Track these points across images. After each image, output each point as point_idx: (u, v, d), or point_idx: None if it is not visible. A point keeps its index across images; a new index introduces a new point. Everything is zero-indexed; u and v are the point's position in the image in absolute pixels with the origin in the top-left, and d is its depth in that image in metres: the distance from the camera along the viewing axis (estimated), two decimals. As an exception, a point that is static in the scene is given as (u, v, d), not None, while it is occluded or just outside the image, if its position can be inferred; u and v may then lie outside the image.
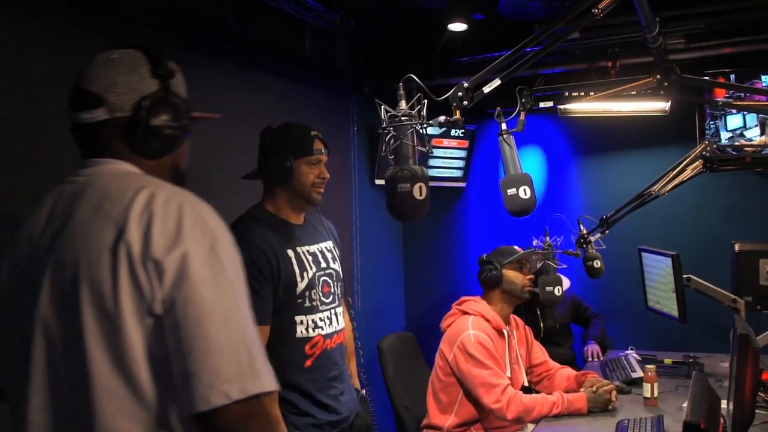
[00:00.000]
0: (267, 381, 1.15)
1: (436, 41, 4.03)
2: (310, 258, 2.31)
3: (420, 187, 1.47)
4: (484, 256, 3.04)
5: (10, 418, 1.25)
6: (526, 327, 3.19)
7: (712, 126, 4.24)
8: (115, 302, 1.13)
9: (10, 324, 1.25)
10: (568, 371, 3.09)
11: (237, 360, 1.12)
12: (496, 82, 1.72)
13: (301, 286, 2.24)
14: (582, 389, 2.83)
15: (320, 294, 2.31)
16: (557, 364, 3.15)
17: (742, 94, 3.97)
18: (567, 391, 2.82)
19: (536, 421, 2.69)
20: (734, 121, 4.21)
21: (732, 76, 4.03)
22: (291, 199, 2.30)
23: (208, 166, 2.93)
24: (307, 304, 2.27)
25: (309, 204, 2.33)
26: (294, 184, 2.26)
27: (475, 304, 2.94)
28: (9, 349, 1.25)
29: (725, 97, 4.09)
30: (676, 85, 2.04)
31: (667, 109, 4.04)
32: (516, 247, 3.04)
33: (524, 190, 1.91)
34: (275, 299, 2.19)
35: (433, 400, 2.91)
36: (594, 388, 2.76)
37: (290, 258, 2.24)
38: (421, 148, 1.53)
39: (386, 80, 3.84)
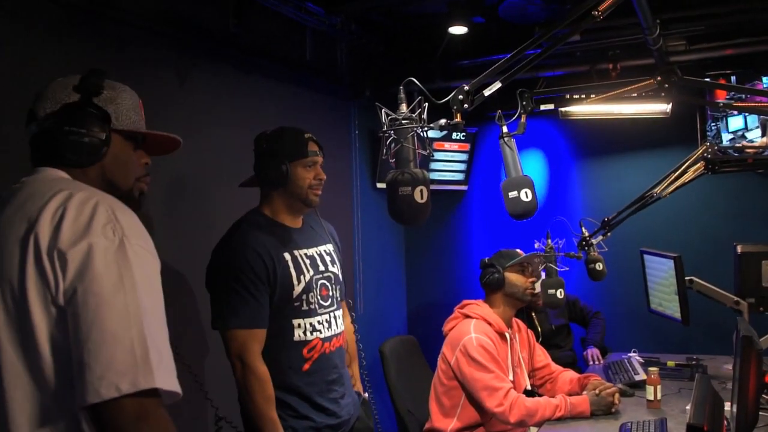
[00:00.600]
0: (161, 378, 1.15)
1: (437, 44, 4.03)
2: (307, 261, 2.31)
3: (421, 191, 1.47)
4: (486, 259, 3.03)
5: None
6: (529, 330, 3.18)
7: (713, 128, 4.24)
8: (22, 292, 1.17)
9: None
10: (570, 374, 3.08)
11: (131, 354, 1.13)
12: (497, 85, 1.72)
13: (298, 289, 2.24)
14: (585, 392, 2.82)
15: (318, 297, 2.31)
16: (560, 367, 3.15)
17: (743, 96, 3.97)
18: (570, 394, 2.81)
19: (539, 425, 2.69)
20: (735, 122, 4.20)
21: (733, 78, 4.03)
22: (288, 202, 2.31)
23: (208, 171, 2.93)
24: (305, 307, 2.27)
25: (307, 206, 2.33)
26: (291, 188, 2.26)
27: (477, 307, 2.93)
28: None
29: (726, 99, 4.08)
30: (676, 86, 2.04)
31: (668, 111, 4.04)
32: (518, 251, 3.03)
33: (525, 192, 1.91)
34: (271, 302, 2.19)
35: (435, 404, 2.90)
36: (597, 391, 2.76)
37: (287, 261, 2.24)
38: (422, 152, 1.53)
39: (387, 84, 3.85)
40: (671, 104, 3.99)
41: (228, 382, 2.20)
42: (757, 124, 4.13)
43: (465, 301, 3.00)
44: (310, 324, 2.28)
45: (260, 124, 3.22)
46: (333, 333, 2.36)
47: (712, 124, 4.25)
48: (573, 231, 3.01)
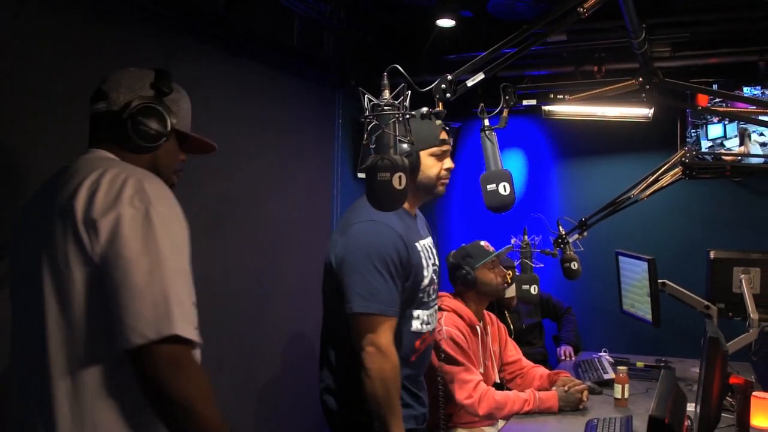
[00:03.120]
0: (181, 327, 1.32)
1: (425, 38, 4.04)
2: (427, 252, 2.26)
3: (400, 177, 1.46)
4: (451, 257, 3.03)
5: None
6: (501, 324, 3.21)
7: (693, 134, 4.29)
8: (64, 254, 1.36)
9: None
10: (541, 370, 3.11)
11: (155, 306, 1.31)
12: (480, 76, 1.73)
13: (426, 280, 2.21)
14: (554, 388, 2.85)
15: (431, 290, 2.27)
16: (530, 363, 3.18)
17: (724, 104, 4.02)
18: (539, 390, 2.84)
19: (507, 418, 2.72)
20: (715, 130, 4.26)
21: (714, 86, 4.08)
22: (413, 191, 2.22)
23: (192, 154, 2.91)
24: (425, 299, 2.24)
25: (432, 197, 2.31)
26: (419, 177, 2.20)
27: (448, 300, 2.95)
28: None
29: (708, 105, 4.14)
30: (658, 89, 2.05)
31: (649, 115, 4.08)
32: (483, 243, 3.03)
33: (504, 186, 1.92)
34: (403, 290, 2.13)
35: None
36: (566, 388, 2.79)
37: (419, 251, 2.19)
38: (402, 139, 1.53)
39: (373, 74, 3.83)
40: (653, 109, 4.03)
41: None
42: (735, 132, 4.19)
43: (438, 294, 2.99)
44: (426, 316, 2.25)
45: (245, 107, 3.23)
46: (433, 327, 2.33)
47: (692, 130, 4.30)
48: (550, 229, 3.04)
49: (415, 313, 2.20)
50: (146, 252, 1.33)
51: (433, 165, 2.23)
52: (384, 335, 2.03)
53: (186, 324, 1.34)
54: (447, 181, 2.29)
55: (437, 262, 2.34)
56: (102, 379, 1.37)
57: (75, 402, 1.37)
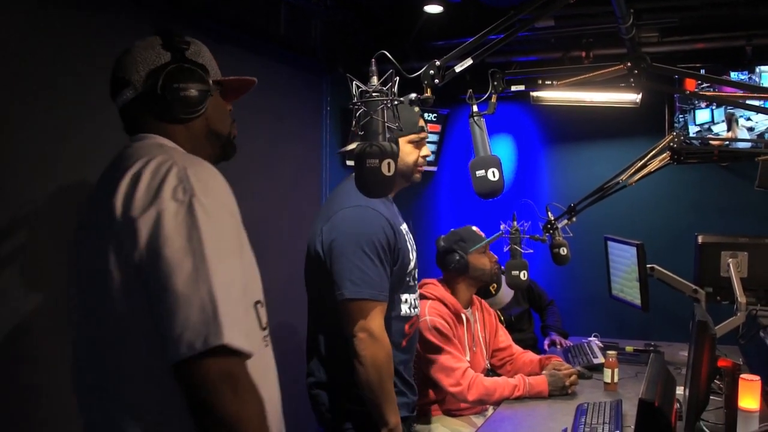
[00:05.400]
0: (230, 334, 1.17)
1: (413, 24, 4.02)
2: (409, 236, 2.27)
3: (388, 164, 1.46)
4: (442, 241, 3.03)
5: None
6: (491, 310, 3.21)
7: (681, 119, 4.30)
8: (104, 255, 1.23)
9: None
10: (530, 356, 3.12)
11: (203, 313, 1.16)
12: (468, 61, 1.72)
13: (412, 264, 2.20)
14: (544, 372, 2.87)
15: (415, 273, 2.27)
16: (520, 349, 3.19)
17: (712, 88, 4.03)
18: (529, 375, 2.85)
19: (497, 404, 2.73)
20: (702, 115, 4.27)
21: (702, 71, 4.09)
22: None
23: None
24: (411, 283, 2.24)
25: (407, 184, 2.29)
26: (398, 164, 2.19)
27: (433, 287, 2.93)
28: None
29: (696, 89, 4.15)
30: (646, 73, 2.05)
31: (637, 101, 4.08)
32: (474, 228, 3.04)
33: (493, 172, 1.91)
34: (391, 275, 2.12)
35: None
36: (556, 372, 2.81)
37: (403, 234, 2.19)
38: (390, 125, 1.52)
39: (361, 61, 3.81)
40: (641, 94, 4.03)
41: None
42: (722, 118, 4.21)
43: (423, 281, 2.98)
44: (413, 299, 2.25)
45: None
46: (418, 310, 2.33)
47: (680, 116, 4.31)
48: (539, 214, 3.04)
49: (403, 297, 2.21)
50: (190, 251, 1.18)
51: (411, 152, 2.24)
52: (376, 320, 2.02)
53: (236, 332, 1.18)
54: (423, 168, 2.30)
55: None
56: (136, 394, 1.25)
57: (107, 414, 1.28)
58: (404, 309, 2.21)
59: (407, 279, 2.21)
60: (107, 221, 1.24)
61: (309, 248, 2.22)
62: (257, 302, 1.37)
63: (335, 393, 2.19)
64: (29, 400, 2.15)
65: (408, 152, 2.23)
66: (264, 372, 1.37)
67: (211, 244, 1.20)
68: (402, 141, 2.19)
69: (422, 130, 2.24)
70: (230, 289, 1.21)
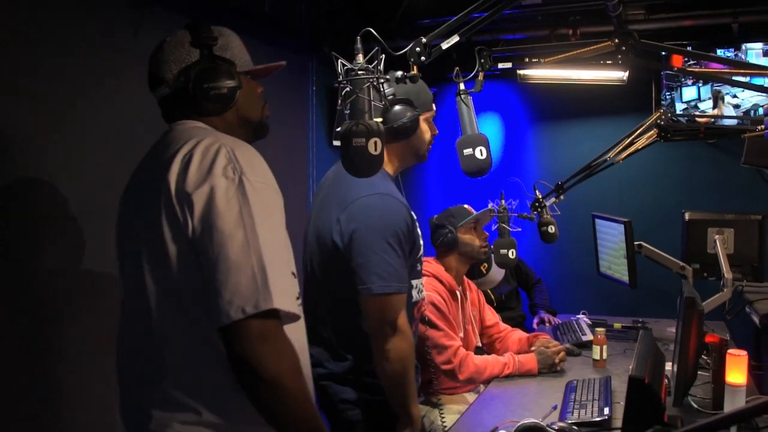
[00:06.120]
0: (279, 299, 1.29)
1: (399, 2, 3.98)
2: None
3: (375, 142, 1.44)
4: (435, 218, 3.03)
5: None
6: (478, 290, 3.22)
7: (667, 97, 4.30)
8: (158, 230, 1.34)
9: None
10: (519, 333, 3.13)
11: (253, 280, 1.27)
12: (455, 38, 1.70)
13: (422, 249, 2.17)
14: (533, 349, 2.88)
15: (422, 258, 2.24)
16: (508, 327, 3.20)
17: (698, 65, 4.03)
18: (518, 353, 2.86)
19: (487, 382, 2.74)
20: (689, 93, 4.28)
21: (688, 49, 4.09)
22: (403, 155, 2.18)
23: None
24: (419, 267, 2.20)
25: (418, 162, 2.28)
26: (414, 141, 2.14)
27: (429, 264, 2.93)
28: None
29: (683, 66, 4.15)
30: (633, 50, 2.04)
31: (624, 78, 4.08)
32: (467, 206, 3.04)
33: (480, 150, 1.90)
34: (409, 260, 2.06)
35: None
36: (544, 349, 2.82)
37: (414, 219, 2.11)
38: (377, 104, 1.50)
39: (347, 40, 3.78)
40: (628, 72, 4.03)
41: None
42: (709, 95, 4.21)
43: None
44: (420, 284, 2.21)
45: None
46: (424, 294, 2.29)
47: (667, 93, 4.31)
48: (527, 193, 3.04)
49: (414, 282, 2.14)
50: (241, 224, 1.30)
51: (426, 130, 2.21)
52: (401, 314, 1.96)
53: (285, 297, 1.31)
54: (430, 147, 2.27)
55: None
56: (176, 357, 1.38)
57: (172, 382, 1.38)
58: (414, 295, 2.15)
59: (417, 265, 2.17)
60: (162, 197, 1.34)
61: (321, 238, 2.09)
62: (292, 273, 1.44)
63: (346, 383, 2.11)
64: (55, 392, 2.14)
65: (425, 130, 2.19)
66: (300, 335, 1.50)
67: (260, 218, 1.31)
68: (421, 118, 2.13)
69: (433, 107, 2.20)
70: (278, 258, 1.34)
